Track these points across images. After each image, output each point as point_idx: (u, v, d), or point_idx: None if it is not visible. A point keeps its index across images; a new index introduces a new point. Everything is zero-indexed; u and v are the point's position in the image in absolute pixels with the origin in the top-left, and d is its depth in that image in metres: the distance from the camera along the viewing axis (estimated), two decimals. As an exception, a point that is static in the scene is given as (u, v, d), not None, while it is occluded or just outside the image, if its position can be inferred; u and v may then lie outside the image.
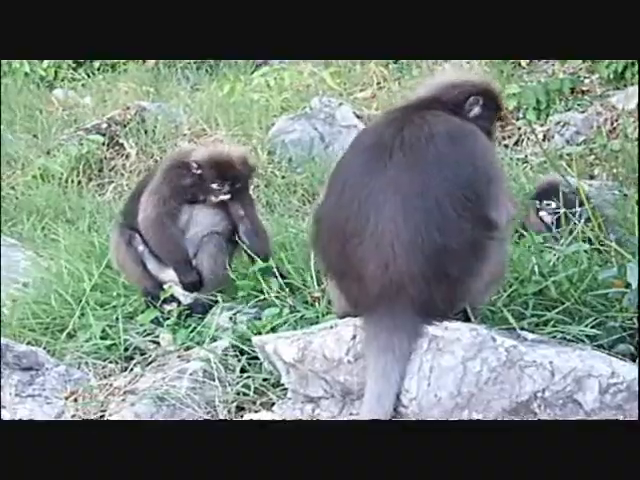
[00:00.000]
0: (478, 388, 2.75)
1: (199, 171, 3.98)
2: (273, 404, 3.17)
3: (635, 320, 3.15)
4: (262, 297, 3.69)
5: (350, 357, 2.88)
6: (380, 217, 2.83)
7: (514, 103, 6.98)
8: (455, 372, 2.76)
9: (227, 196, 3.96)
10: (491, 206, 2.93)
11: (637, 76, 6.86)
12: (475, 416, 2.74)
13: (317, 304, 3.57)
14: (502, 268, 3.10)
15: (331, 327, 2.99)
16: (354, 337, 2.88)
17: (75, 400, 3.36)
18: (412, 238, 2.79)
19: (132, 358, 3.64)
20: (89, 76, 8.89)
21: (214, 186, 3.95)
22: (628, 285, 3.03)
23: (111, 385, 3.42)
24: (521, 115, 7.15)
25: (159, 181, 4.05)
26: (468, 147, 2.99)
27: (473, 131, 3.07)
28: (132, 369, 3.52)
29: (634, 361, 3.01)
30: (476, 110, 3.22)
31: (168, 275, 4.02)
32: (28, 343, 3.77)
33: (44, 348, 3.76)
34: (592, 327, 3.14)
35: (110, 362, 3.64)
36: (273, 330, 3.45)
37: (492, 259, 2.94)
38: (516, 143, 6.99)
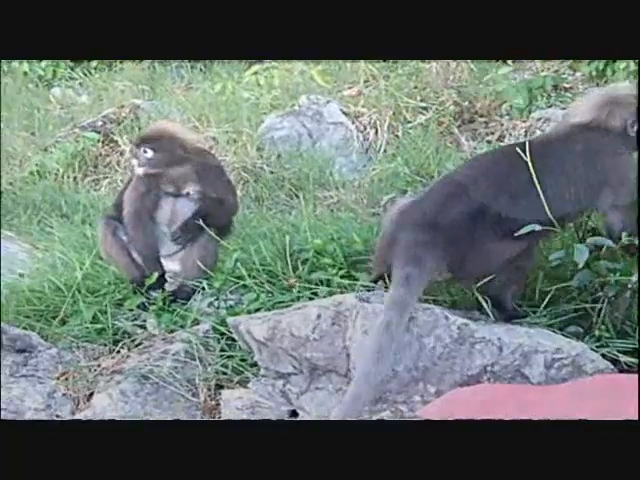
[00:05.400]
0: (432, 362, 2.97)
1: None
2: (249, 381, 3.39)
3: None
4: (241, 283, 3.87)
5: (315, 335, 3.10)
6: None
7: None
8: (411, 348, 2.98)
9: (149, 153, 4.12)
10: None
11: (634, 74, 6.91)
12: (430, 389, 2.97)
13: (293, 289, 3.76)
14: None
15: (299, 308, 3.21)
16: (319, 316, 3.10)
17: (66, 379, 3.57)
18: None
19: (120, 341, 3.82)
20: (86, 75, 8.99)
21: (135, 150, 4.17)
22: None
23: (99, 365, 3.63)
24: (504, 112, 7.30)
25: (136, 178, 4.25)
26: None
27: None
28: (119, 351, 3.72)
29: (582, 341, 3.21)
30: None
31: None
32: (24, 329, 3.91)
33: (38, 333, 3.92)
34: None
35: (99, 345, 3.82)
36: (250, 314, 3.63)
37: None
38: (499, 139, 7.10)
